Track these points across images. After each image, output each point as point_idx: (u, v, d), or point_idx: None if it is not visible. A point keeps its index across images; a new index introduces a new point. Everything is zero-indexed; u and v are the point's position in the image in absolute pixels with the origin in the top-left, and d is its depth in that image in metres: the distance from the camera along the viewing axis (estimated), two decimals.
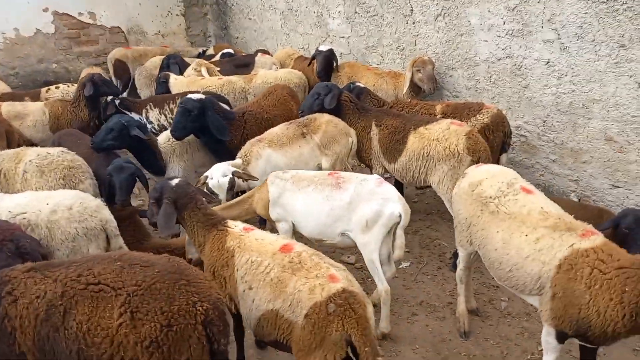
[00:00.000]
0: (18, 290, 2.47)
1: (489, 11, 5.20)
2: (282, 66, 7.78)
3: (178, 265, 2.52)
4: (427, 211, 5.49)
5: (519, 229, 2.95)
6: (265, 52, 8.59)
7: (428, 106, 5.12)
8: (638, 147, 4.30)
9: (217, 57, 8.56)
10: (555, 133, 4.94)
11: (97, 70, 8.80)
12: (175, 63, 7.72)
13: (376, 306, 3.52)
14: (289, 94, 5.70)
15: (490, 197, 3.20)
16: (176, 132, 4.58)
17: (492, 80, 5.44)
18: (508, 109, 5.30)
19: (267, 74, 6.97)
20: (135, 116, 6.11)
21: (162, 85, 7.11)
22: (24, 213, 3.37)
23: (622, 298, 2.48)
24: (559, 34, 4.64)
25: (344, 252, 4.61)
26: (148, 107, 6.36)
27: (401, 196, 3.69)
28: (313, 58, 6.91)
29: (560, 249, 2.75)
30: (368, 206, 3.59)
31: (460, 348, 3.65)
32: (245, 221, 3.36)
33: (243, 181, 4.30)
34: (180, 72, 7.49)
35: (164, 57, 8.30)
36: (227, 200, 4.08)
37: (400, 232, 3.60)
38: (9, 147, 5.17)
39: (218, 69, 7.59)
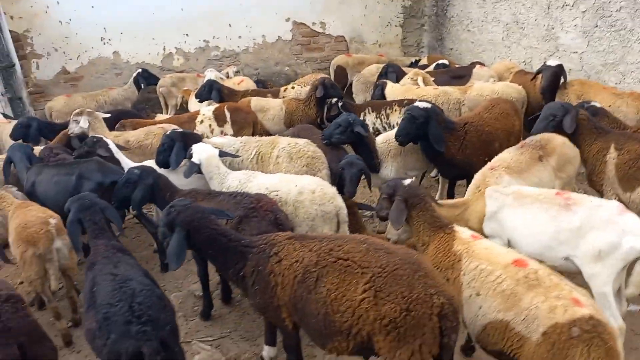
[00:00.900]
0: (282, 252, 2.98)
1: None
2: (500, 79, 7.57)
3: (416, 257, 2.73)
4: None
5: None
6: (481, 64, 8.45)
7: None
8: None
9: (431, 68, 8.74)
10: None
11: (320, 75, 9.88)
12: (393, 72, 8.16)
13: None
14: (512, 109, 5.55)
15: None
16: (400, 137, 4.87)
17: None
18: None
19: (483, 87, 6.86)
20: None
21: (379, 91, 7.62)
22: (277, 191, 4.01)
23: None
24: None
25: None
26: (366, 110, 6.85)
27: None
28: (538, 73, 6.57)
29: None
30: (603, 235, 3.32)
31: None
32: None
33: None
34: (397, 80, 7.89)
35: (379, 65, 8.87)
36: None
37: (639, 269, 3.25)
38: (252, 135, 6.15)
39: (433, 79, 7.77)
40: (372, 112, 6.80)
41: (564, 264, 3.55)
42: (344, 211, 3.97)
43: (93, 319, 2.81)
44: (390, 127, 6.42)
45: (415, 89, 7.23)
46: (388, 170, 5.12)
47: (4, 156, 5.51)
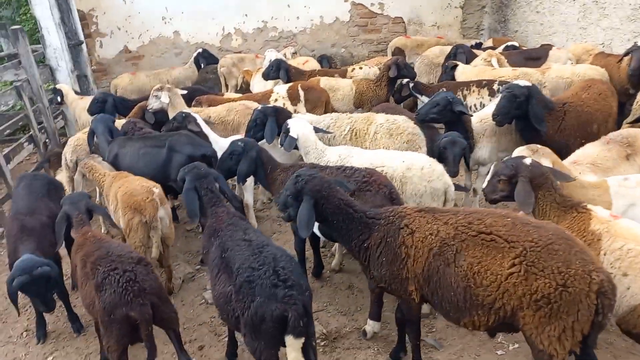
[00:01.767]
0: (414, 225, 2.91)
1: None
2: (578, 62, 7.29)
3: (567, 233, 2.63)
4: None
5: None
6: (550, 46, 8.15)
7: None
8: None
9: (500, 50, 8.48)
10: None
11: (378, 56, 9.73)
12: (462, 52, 7.95)
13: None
14: (609, 90, 5.31)
15: None
16: (499, 117, 4.68)
17: None
18: None
19: (563, 68, 6.62)
20: (425, 99, 6.52)
21: (449, 72, 7.43)
22: (383, 166, 3.94)
23: None
24: None
25: None
26: (440, 92, 6.69)
27: None
28: (626, 54, 6.27)
29: None
30: None
31: None
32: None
33: None
34: (467, 62, 7.69)
35: (443, 47, 8.65)
36: None
37: None
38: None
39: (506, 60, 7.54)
40: None
41: None
42: (451, 189, 3.87)
43: (227, 282, 2.82)
44: (468, 109, 6.25)
45: (491, 69, 7.03)
46: (482, 150, 4.96)
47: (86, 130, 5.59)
